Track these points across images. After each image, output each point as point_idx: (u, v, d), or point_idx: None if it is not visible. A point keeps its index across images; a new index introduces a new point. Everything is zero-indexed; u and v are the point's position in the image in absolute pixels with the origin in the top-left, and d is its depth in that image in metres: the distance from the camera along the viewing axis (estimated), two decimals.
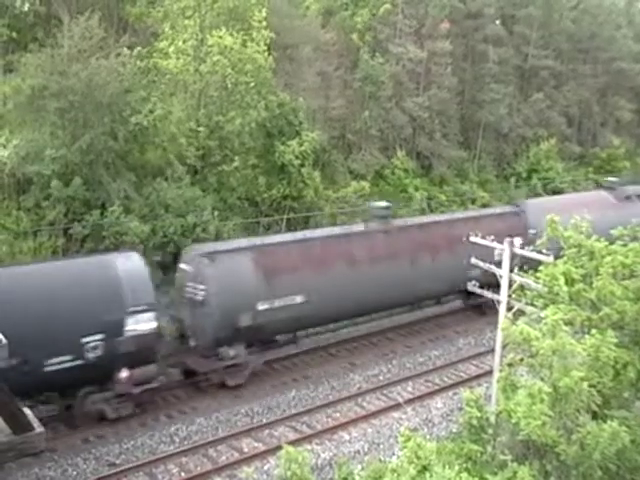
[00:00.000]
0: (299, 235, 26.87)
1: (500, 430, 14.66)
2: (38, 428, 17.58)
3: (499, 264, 19.56)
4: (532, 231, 28.81)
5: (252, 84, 31.56)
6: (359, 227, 28.32)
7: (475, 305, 30.57)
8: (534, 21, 52.66)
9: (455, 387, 24.63)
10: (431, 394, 24.21)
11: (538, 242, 18.01)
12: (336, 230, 28.22)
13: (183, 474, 18.89)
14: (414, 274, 27.74)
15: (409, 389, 24.67)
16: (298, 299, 24.05)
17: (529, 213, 31.92)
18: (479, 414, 14.64)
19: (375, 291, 26.43)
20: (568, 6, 56.24)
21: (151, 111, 28.82)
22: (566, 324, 13.89)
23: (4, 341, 15.37)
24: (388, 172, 42.59)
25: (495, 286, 19.37)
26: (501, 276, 18.96)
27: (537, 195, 45.20)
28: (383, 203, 29.33)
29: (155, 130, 29.37)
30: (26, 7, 32.91)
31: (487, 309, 27.43)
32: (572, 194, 43.80)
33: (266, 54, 32.07)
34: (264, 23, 32.18)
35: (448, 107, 46.65)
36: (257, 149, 34.06)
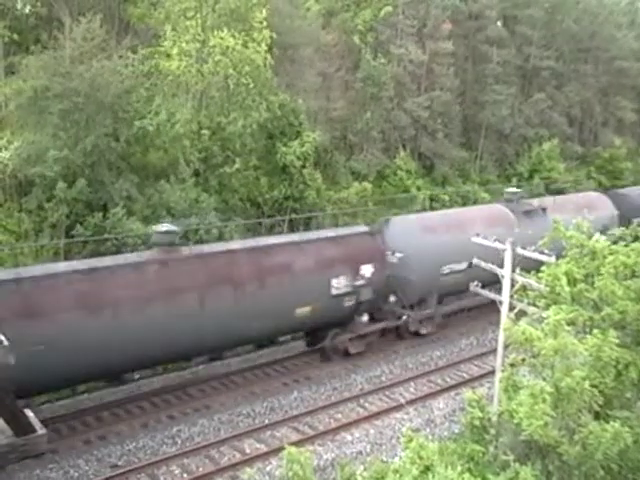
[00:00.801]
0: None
1: (502, 430, 14.64)
2: (40, 430, 17.63)
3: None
4: (397, 255, 26.68)
5: (252, 85, 31.58)
6: (131, 257, 21.60)
7: (320, 348, 26.41)
8: (536, 22, 52.70)
9: (457, 387, 24.57)
10: (433, 394, 24.15)
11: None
12: (92, 263, 20.37)
13: (185, 475, 18.85)
14: (206, 317, 20.99)
15: (411, 390, 24.61)
16: None
17: (390, 234, 27.28)
18: (481, 414, 14.64)
19: (144, 341, 20.01)
20: (570, 7, 56.25)
21: (157, 113, 28.87)
22: (568, 324, 13.88)
23: (5, 342, 15.38)
24: (390, 172, 42.60)
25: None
26: (503, 276, 18.93)
27: (539, 195, 45.13)
28: (167, 226, 22.18)
29: (158, 132, 29.43)
30: (27, 9, 32.93)
31: (332, 353, 26.15)
32: (463, 208, 38.61)
33: (266, 54, 32.10)
34: (265, 23, 32.21)
35: (450, 108, 46.67)
36: (259, 150, 34.10)
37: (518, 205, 31.79)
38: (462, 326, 30.73)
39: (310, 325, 24.70)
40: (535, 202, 33.04)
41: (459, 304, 30.33)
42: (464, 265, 26.53)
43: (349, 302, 24.92)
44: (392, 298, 27.29)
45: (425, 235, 27.65)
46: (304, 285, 23.40)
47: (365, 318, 26.29)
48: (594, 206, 33.31)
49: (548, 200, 34.74)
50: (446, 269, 27.83)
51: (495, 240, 19.57)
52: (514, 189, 34.52)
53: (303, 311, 23.31)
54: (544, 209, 31.71)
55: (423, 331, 28.85)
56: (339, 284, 24.37)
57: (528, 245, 18.65)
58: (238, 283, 21.99)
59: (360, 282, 24.93)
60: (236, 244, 23.81)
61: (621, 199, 37.64)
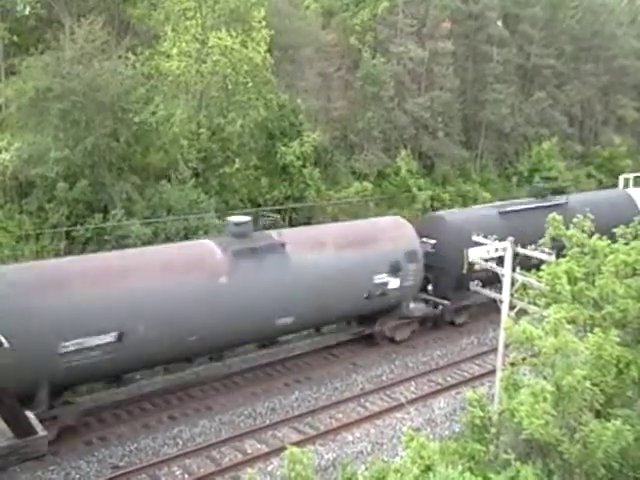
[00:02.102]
0: None
1: (503, 429, 14.61)
2: (41, 432, 17.60)
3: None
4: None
5: (250, 84, 31.59)
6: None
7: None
8: (537, 20, 52.68)
9: (458, 387, 24.57)
10: (434, 394, 24.15)
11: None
12: None
13: (186, 476, 18.85)
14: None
15: (412, 389, 24.61)
16: None
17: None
18: (482, 414, 14.62)
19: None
20: (572, 5, 56.23)
21: (154, 112, 28.91)
22: (569, 323, 13.86)
23: (5, 344, 15.37)
24: (391, 172, 42.58)
25: None
26: (503, 275, 18.95)
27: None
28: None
29: (157, 132, 29.44)
30: (27, 11, 32.94)
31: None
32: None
33: (265, 54, 32.11)
34: (264, 23, 32.22)
35: (450, 107, 46.66)
36: (258, 150, 34.11)
37: (241, 241, 22.85)
38: (462, 325, 30.71)
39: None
40: (274, 235, 24.35)
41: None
42: None
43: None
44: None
45: None
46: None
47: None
48: (380, 238, 26.66)
49: (297, 232, 26.53)
50: None
51: (495, 239, 19.62)
52: (242, 218, 24.34)
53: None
54: (283, 244, 23.55)
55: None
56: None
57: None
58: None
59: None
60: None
61: (435, 226, 30.07)
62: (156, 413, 22.21)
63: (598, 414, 13.09)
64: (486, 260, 26.29)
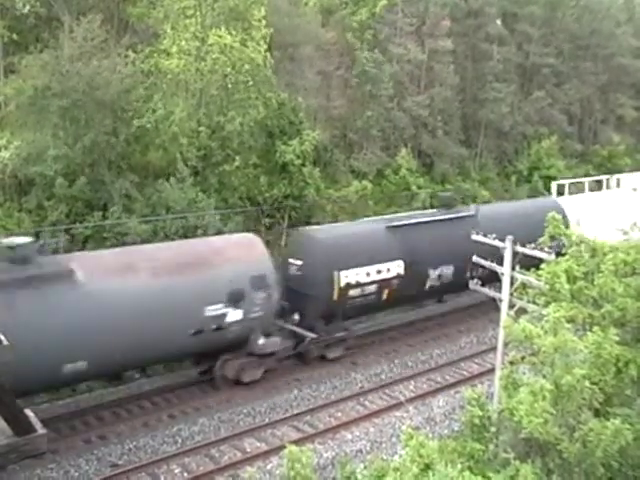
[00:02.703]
0: None
1: (502, 428, 14.62)
2: (40, 430, 17.63)
3: None
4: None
5: (250, 83, 31.59)
6: None
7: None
8: (536, 19, 52.69)
9: (457, 385, 24.60)
10: (433, 393, 24.19)
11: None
12: None
13: (186, 474, 18.88)
14: None
15: (411, 388, 24.65)
16: None
17: None
18: (481, 413, 14.63)
19: None
20: (570, 4, 56.25)
21: (154, 111, 28.88)
22: (568, 322, 13.86)
23: (5, 342, 15.38)
24: (390, 171, 42.56)
25: None
26: (502, 274, 18.95)
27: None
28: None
29: (157, 131, 29.42)
30: (26, 9, 32.88)
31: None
32: None
33: (265, 53, 32.08)
34: (263, 22, 32.20)
35: (450, 104, 46.63)
36: (258, 149, 34.06)
37: (18, 268, 18.50)
38: (462, 324, 30.75)
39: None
40: (65, 259, 20.37)
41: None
42: None
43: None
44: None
45: None
46: None
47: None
48: (216, 261, 22.42)
49: (99, 255, 22.04)
50: None
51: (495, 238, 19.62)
52: (23, 239, 19.71)
53: None
54: (72, 271, 19.29)
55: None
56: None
57: None
58: None
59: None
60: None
61: (302, 245, 26.00)
62: (155, 412, 22.22)
63: (597, 413, 13.10)
64: (363, 284, 25.02)
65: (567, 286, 15.55)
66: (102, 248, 25.13)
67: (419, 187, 41.80)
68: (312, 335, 25.08)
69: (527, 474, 12.14)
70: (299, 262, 25.10)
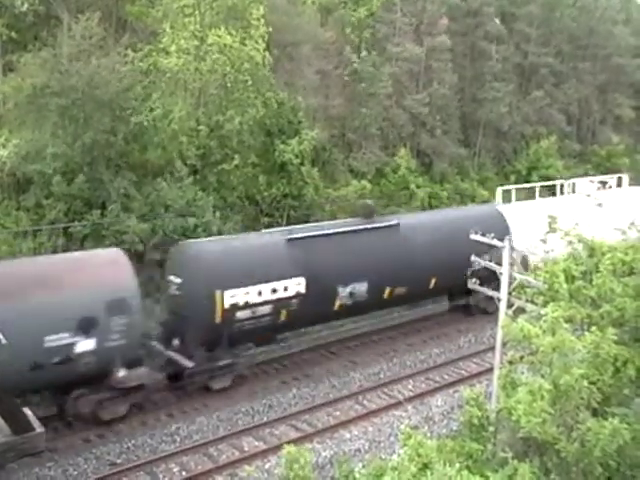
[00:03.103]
0: None
1: (501, 427, 14.66)
2: (38, 428, 17.64)
3: None
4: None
5: (250, 82, 31.59)
6: None
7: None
8: (534, 19, 52.75)
9: (456, 385, 24.61)
10: (432, 392, 24.20)
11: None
12: None
13: (184, 473, 18.89)
14: None
15: (410, 387, 24.67)
16: None
17: None
18: (479, 413, 14.65)
19: None
20: (567, 3, 56.32)
21: (151, 109, 28.88)
22: (566, 321, 13.88)
23: (4, 341, 15.39)
24: (389, 170, 42.56)
25: None
26: (502, 273, 18.95)
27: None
28: None
29: (155, 129, 29.41)
30: (25, 7, 32.84)
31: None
32: None
33: (264, 51, 32.08)
34: (262, 20, 32.20)
35: (448, 104, 46.66)
36: (257, 148, 34.05)
37: None
38: (460, 324, 30.78)
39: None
40: None
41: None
42: None
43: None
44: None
45: None
46: None
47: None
48: (60, 283, 19.38)
49: None
50: None
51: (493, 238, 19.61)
52: None
53: None
54: None
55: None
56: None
57: None
58: None
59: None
60: None
61: (183, 260, 23.21)
62: (154, 410, 22.21)
63: (595, 412, 13.12)
64: (254, 305, 22.06)
65: (565, 286, 15.59)
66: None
67: (418, 186, 41.82)
68: (188, 364, 21.96)
69: (525, 473, 12.16)
70: (178, 280, 22.45)
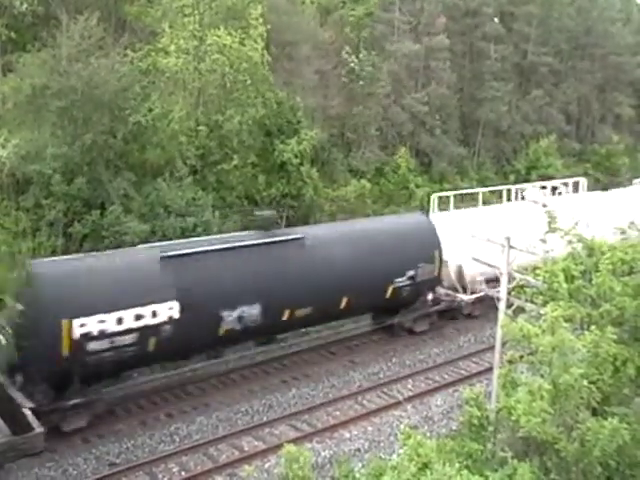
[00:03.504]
0: None
1: (500, 427, 14.66)
2: (37, 428, 17.60)
3: None
4: None
5: (249, 82, 31.60)
6: None
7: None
8: (533, 18, 52.78)
9: (455, 384, 24.57)
10: (431, 392, 24.17)
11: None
12: None
13: (183, 473, 18.86)
14: None
15: (409, 387, 24.63)
16: None
17: None
18: (479, 413, 14.65)
19: None
20: (566, 3, 56.37)
21: (150, 110, 28.87)
22: (566, 321, 13.89)
23: (3, 341, 15.37)
24: (389, 169, 42.56)
25: None
26: (502, 273, 18.94)
27: None
28: None
29: (154, 129, 29.40)
30: (24, 7, 32.87)
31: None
32: None
33: (263, 51, 32.09)
34: (261, 20, 32.21)
35: (448, 103, 46.68)
36: (256, 147, 34.06)
37: None
38: (460, 323, 30.74)
39: None
40: None
41: None
42: None
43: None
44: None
45: None
46: None
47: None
48: None
49: None
50: None
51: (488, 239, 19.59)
52: None
53: None
54: None
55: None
56: None
57: None
58: None
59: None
60: None
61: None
62: (153, 410, 22.21)
63: (595, 412, 13.13)
64: (112, 335, 19.02)
65: (565, 285, 15.60)
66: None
67: (417, 186, 41.82)
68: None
69: (525, 473, 12.18)
70: (19, 306, 19.18)
